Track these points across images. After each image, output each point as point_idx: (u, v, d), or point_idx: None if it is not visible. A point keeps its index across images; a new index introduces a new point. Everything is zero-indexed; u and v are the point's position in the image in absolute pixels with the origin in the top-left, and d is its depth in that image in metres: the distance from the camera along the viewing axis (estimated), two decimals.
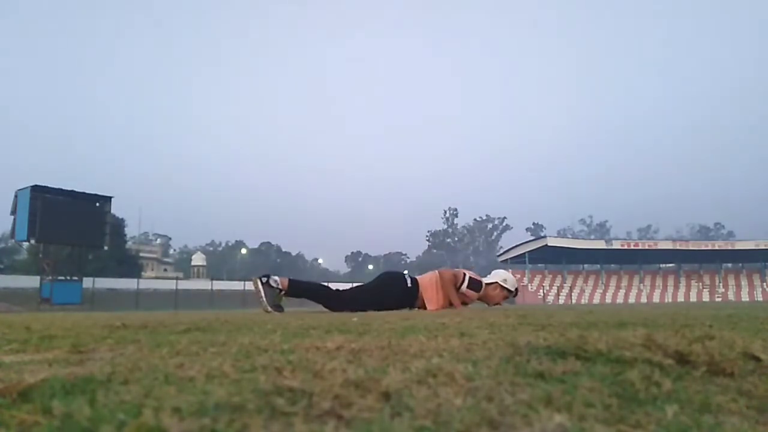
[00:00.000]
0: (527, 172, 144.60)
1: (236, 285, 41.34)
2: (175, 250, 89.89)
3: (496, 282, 4.94)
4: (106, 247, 29.66)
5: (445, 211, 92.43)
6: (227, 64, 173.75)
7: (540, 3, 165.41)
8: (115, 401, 0.57)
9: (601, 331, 1.43)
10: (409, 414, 0.51)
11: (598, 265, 52.46)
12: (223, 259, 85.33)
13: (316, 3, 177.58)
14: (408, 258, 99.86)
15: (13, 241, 35.49)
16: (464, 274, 4.76)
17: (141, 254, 60.37)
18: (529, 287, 47.36)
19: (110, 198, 29.10)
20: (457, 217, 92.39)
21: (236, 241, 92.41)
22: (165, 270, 69.41)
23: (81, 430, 0.48)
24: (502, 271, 5.28)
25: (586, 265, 54.06)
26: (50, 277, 26.43)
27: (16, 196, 26.06)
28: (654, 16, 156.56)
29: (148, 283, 38.93)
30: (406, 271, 5.18)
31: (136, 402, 0.57)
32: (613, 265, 54.36)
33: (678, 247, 49.21)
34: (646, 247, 49.53)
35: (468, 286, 4.70)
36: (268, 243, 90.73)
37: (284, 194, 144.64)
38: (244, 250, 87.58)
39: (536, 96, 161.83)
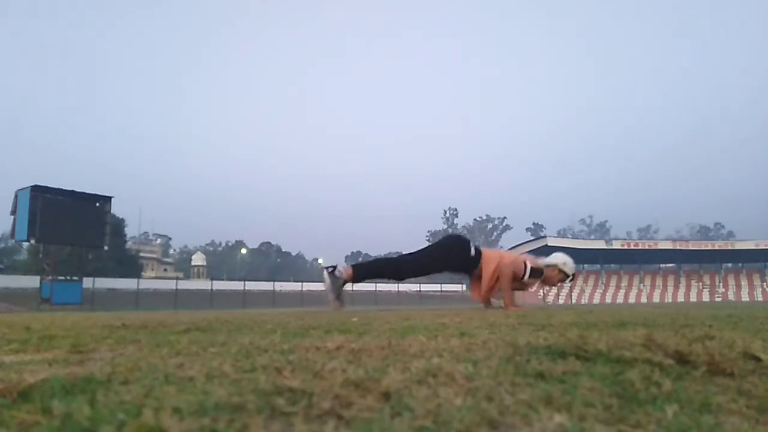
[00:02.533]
0: (527, 172, 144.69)
1: (236, 285, 41.33)
2: (175, 250, 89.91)
3: (556, 264, 4.89)
4: (106, 247, 29.65)
5: (445, 211, 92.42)
6: (228, 64, 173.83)
7: (540, 5, 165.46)
8: (115, 401, 0.57)
9: (601, 331, 1.43)
10: (409, 414, 0.51)
11: (598, 265, 52.45)
12: (223, 259, 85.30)
13: (318, 4, 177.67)
14: None
15: (13, 241, 35.46)
16: (525, 266, 4.68)
17: (141, 254, 60.33)
18: (529, 287, 47.24)
19: (110, 198, 29.10)
20: (457, 217, 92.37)
21: (236, 241, 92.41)
22: (165, 270, 69.40)
23: (81, 430, 0.48)
24: (562, 254, 5.17)
25: (586, 265, 54.03)
26: (50, 277, 26.43)
27: (16, 196, 26.06)
28: (654, 16, 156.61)
29: (148, 283, 38.92)
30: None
31: (136, 402, 0.57)
32: (613, 265, 54.37)
33: (678, 247, 49.23)
34: (646, 247, 49.56)
35: (530, 276, 4.66)
36: (268, 243, 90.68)
37: (284, 194, 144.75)
38: (244, 250, 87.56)
39: (536, 96, 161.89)
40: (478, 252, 4.65)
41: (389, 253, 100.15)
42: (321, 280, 4.29)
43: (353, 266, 4.35)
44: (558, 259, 4.97)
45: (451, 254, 4.59)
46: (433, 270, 4.17)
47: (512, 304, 4.54)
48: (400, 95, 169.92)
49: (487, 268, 4.58)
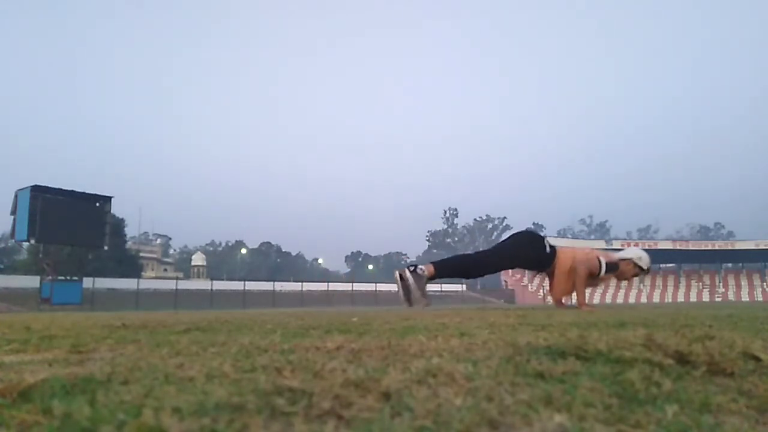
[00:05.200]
0: (527, 172, 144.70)
1: (236, 285, 41.32)
2: (175, 250, 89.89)
3: (631, 258, 4.84)
4: (106, 247, 29.65)
5: (445, 211, 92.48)
6: (228, 64, 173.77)
7: (540, 6, 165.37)
8: (115, 401, 0.57)
9: (601, 331, 1.43)
10: (409, 414, 0.51)
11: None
12: (223, 259, 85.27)
13: (319, 3, 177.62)
14: (408, 258, 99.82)
15: (13, 241, 35.46)
16: (600, 263, 4.64)
17: (141, 254, 60.28)
18: (529, 287, 47.38)
19: (110, 198, 29.10)
20: (457, 217, 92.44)
21: (236, 241, 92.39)
22: (165, 270, 69.35)
23: (81, 430, 0.48)
24: (637, 248, 5.17)
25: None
26: (50, 277, 26.43)
27: (16, 196, 26.06)
28: (655, 17, 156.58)
29: (148, 283, 38.88)
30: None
31: (136, 402, 0.57)
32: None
33: (678, 247, 49.23)
34: (646, 247, 49.39)
35: (606, 272, 4.62)
36: (268, 243, 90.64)
37: (284, 194, 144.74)
38: (244, 250, 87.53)
39: (537, 96, 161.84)
40: (553, 249, 4.63)
41: (389, 253, 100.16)
42: (394, 281, 4.29)
43: (434, 264, 4.36)
44: (633, 253, 4.91)
45: (526, 250, 4.58)
46: (509, 266, 4.19)
47: (585, 303, 4.48)
48: (401, 95, 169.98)
49: (562, 267, 4.55)
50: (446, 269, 4.42)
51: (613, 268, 4.66)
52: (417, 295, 4.10)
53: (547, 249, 4.59)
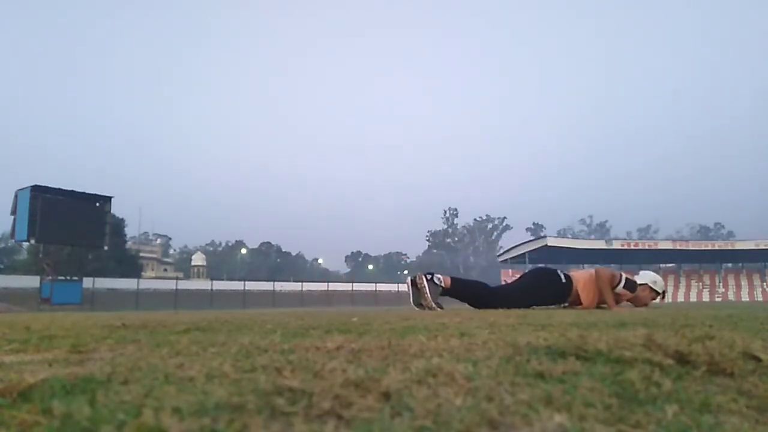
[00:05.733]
0: (527, 172, 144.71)
1: (236, 285, 41.33)
2: (175, 250, 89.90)
3: (646, 284, 4.87)
4: (106, 247, 29.68)
5: (445, 211, 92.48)
6: (228, 64, 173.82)
7: (540, 6, 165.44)
8: (115, 401, 0.57)
9: (601, 331, 1.43)
10: (409, 414, 0.51)
11: (598, 265, 52.42)
12: (223, 259, 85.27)
13: (319, 3, 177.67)
14: (408, 258, 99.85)
15: (13, 241, 35.45)
16: (621, 275, 4.71)
17: (141, 254, 60.31)
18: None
19: (110, 198, 29.12)
20: (457, 217, 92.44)
21: (236, 241, 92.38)
22: (165, 270, 69.38)
23: (81, 430, 0.48)
24: (651, 272, 5.18)
25: (586, 265, 53.95)
26: (50, 277, 26.44)
27: (16, 196, 26.07)
28: (655, 17, 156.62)
29: (148, 283, 38.91)
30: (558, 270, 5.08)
31: (136, 402, 0.56)
32: (613, 265, 54.28)
33: (678, 247, 49.20)
34: (646, 247, 49.54)
35: (624, 286, 4.64)
36: (268, 243, 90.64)
37: (284, 194, 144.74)
38: (244, 250, 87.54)
39: (537, 96, 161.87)
40: (568, 277, 4.67)
41: (389, 253, 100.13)
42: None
43: (452, 278, 4.42)
44: (648, 278, 4.94)
45: (544, 287, 4.61)
46: (524, 305, 4.20)
47: (616, 305, 4.48)
48: (401, 95, 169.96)
49: (585, 284, 4.58)
50: (460, 288, 4.48)
51: (631, 285, 4.67)
52: (431, 304, 4.13)
53: (563, 279, 4.63)
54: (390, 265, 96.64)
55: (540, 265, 5.67)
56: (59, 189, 27.02)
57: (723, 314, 2.60)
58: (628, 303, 4.89)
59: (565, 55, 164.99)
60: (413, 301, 4.25)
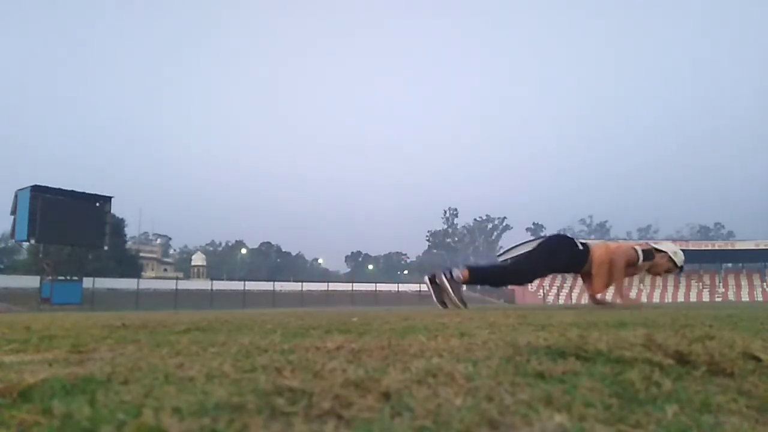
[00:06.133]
0: (527, 172, 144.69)
1: (236, 285, 41.31)
2: (175, 250, 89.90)
3: (666, 252, 4.71)
4: (106, 247, 29.67)
5: (445, 211, 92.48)
6: (228, 64, 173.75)
7: (541, 6, 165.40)
8: (115, 401, 0.57)
9: (601, 331, 1.43)
10: (409, 414, 0.51)
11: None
12: (223, 259, 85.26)
13: (318, 3, 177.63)
14: (408, 258, 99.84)
15: (13, 241, 35.45)
16: (637, 252, 4.56)
17: (141, 254, 60.30)
18: (529, 287, 47.30)
19: (110, 198, 29.11)
20: (457, 217, 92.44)
21: (236, 241, 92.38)
22: (165, 270, 69.37)
23: (81, 430, 0.48)
24: (673, 244, 5.07)
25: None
26: (50, 277, 26.43)
27: (16, 196, 26.07)
28: (655, 17, 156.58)
29: (148, 283, 38.90)
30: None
31: (136, 402, 0.56)
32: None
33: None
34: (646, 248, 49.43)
35: (643, 260, 4.53)
36: (268, 243, 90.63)
37: (284, 194, 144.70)
38: (244, 250, 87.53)
39: (537, 96, 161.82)
40: (586, 246, 4.58)
41: (389, 253, 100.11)
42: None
43: (468, 268, 4.37)
44: (669, 247, 4.79)
45: (559, 254, 4.53)
46: (545, 272, 4.14)
47: (624, 295, 4.42)
48: (401, 95, 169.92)
49: (598, 261, 4.47)
50: (479, 276, 4.44)
51: (649, 256, 4.54)
52: (455, 302, 4.12)
53: (580, 247, 4.54)
54: (390, 265, 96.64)
55: (558, 233, 5.58)
56: (59, 189, 27.01)
57: (723, 314, 2.60)
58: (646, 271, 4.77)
59: (566, 55, 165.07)
60: (436, 299, 4.23)
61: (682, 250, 4.83)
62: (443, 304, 4.19)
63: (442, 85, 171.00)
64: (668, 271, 4.78)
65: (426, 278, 4.35)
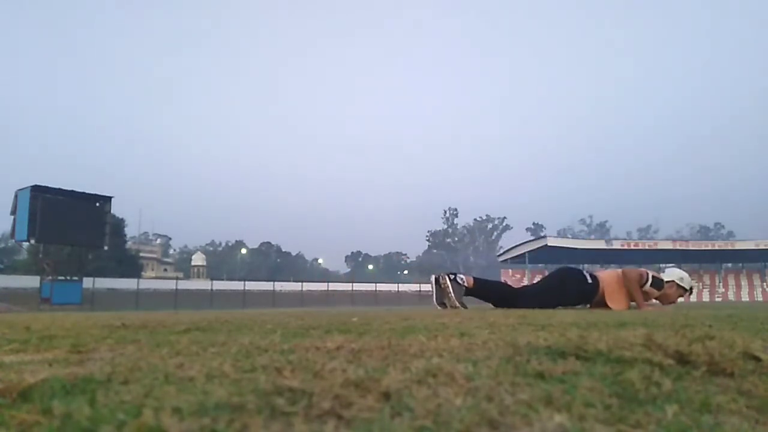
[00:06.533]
0: (527, 172, 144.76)
1: (236, 285, 41.32)
2: (175, 250, 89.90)
3: (673, 281, 4.82)
4: (106, 247, 29.66)
5: (445, 211, 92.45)
6: (227, 63, 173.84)
7: (540, 6, 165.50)
8: (115, 401, 0.57)
9: (601, 331, 1.43)
10: (409, 414, 0.51)
11: (598, 265, 52.47)
12: (223, 259, 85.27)
13: (318, 3, 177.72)
14: (408, 258, 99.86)
15: (13, 241, 35.45)
16: (647, 273, 4.67)
17: (141, 254, 60.34)
18: None
19: (110, 198, 29.11)
20: (457, 217, 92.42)
21: (236, 241, 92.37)
22: (165, 270, 69.40)
23: (81, 430, 0.48)
24: (677, 269, 5.13)
25: (586, 265, 54.00)
26: (50, 277, 26.43)
27: (16, 196, 26.07)
28: (655, 17, 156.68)
29: (148, 283, 38.92)
30: (583, 267, 5.06)
31: (136, 402, 0.57)
32: (613, 265, 54.24)
33: (678, 247, 49.17)
34: (646, 247, 49.54)
35: (651, 285, 4.60)
36: (268, 243, 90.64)
37: (284, 194, 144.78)
38: (244, 250, 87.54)
39: (536, 96, 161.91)
40: (594, 278, 4.64)
41: (389, 253, 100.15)
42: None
43: (474, 278, 4.43)
44: (674, 275, 4.88)
45: (569, 287, 4.58)
46: (549, 305, 4.18)
47: (645, 304, 4.45)
48: (401, 95, 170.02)
49: (609, 286, 4.55)
50: (483, 288, 4.49)
51: (658, 282, 4.63)
52: (455, 303, 4.15)
53: (589, 280, 4.60)
54: (390, 265, 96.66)
55: (568, 265, 5.60)
56: (59, 189, 27.01)
57: (723, 314, 2.60)
58: (656, 301, 4.85)
59: (566, 55, 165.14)
60: (436, 299, 4.28)
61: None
62: (442, 305, 4.22)
63: (442, 85, 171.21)
64: (680, 297, 4.91)
65: (432, 278, 4.39)
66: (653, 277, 4.64)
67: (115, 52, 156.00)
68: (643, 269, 4.74)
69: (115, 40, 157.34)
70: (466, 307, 4.12)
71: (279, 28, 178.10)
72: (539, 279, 5.01)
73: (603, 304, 4.56)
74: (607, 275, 4.69)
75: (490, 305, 4.49)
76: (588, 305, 4.65)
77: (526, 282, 47.30)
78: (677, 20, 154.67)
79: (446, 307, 4.17)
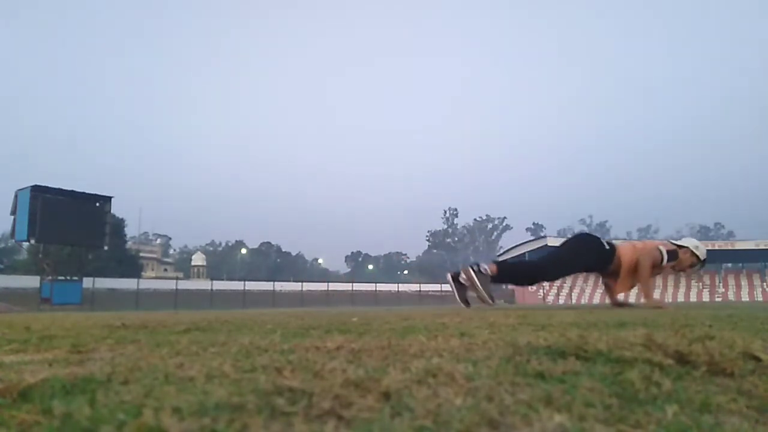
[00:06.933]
0: (527, 172, 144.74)
1: (236, 285, 41.31)
2: (175, 250, 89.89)
3: (688, 247, 4.77)
4: (106, 247, 29.65)
5: (445, 211, 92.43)
6: (227, 64, 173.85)
7: (540, 7, 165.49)
8: (115, 401, 0.57)
9: (601, 331, 1.43)
10: (409, 414, 0.51)
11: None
12: (223, 259, 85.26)
13: (316, 3, 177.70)
14: (408, 258, 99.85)
15: (13, 241, 35.45)
16: (662, 252, 4.58)
17: (141, 254, 60.31)
18: (530, 287, 47.38)
19: (110, 198, 29.09)
20: (457, 217, 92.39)
21: (236, 241, 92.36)
22: (165, 270, 69.39)
23: (81, 430, 0.48)
24: (694, 239, 5.11)
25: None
26: (50, 277, 26.42)
27: (16, 196, 26.06)
28: (654, 15, 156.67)
29: (148, 283, 38.88)
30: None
31: (136, 402, 0.57)
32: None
33: None
34: None
35: (668, 260, 4.56)
36: (268, 243, 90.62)
37: (284, 194, 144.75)
38: (244, 250, 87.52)
39: (536, 96, 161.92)
40: (612, 246, 4.59)
41: (389, 253, 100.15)
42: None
43: (497, 264, 4.35)
44: (690, 242, 4.84)
45: (586, 253, 4.54)
46: (571, 271, 4.16)
47: (652, 296, 4.43)
48: (401, 95, 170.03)
49: (625, 262, 4.49)
50: (507, 273, 4.42)
51: (673, 256, 4.58)
52: (484, 296, 4.09)
53: (606, 247, 4.56)
54: (390, 265, 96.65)
55: (585, 232, 5.62)
56: (59, 189, 27.00)
57: (723, 314, 2.60)
58: (671, 268, 4.80)
59: (565, 55, 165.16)
60: (459, 298, 4.19)
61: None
62: (466, 302, 4.14)
63: (443, 84, 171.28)
64: (692, 266, 4.83)
65: (449, 276, 4.31)
66: (668, 252, 4.58)
67: (114, 52, 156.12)
68: (655, 245, 4.65)
69: (115, 40, 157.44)
70: (494, 300, 4.07)
71: (277, 25, 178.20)
72: (556, 247, 4.87)
73: (614, 275, 4.53)
74: (625, 249, 4.61)
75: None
76: (602, 272, 4.62)
77: None
78: (678, 20, 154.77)
79: (470, 305, 4.10)
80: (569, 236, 4.94)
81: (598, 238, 4.69)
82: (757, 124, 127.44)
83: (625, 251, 4.57)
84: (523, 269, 4.62)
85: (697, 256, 4.76)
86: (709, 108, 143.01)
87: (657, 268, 4.56)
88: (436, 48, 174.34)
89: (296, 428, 0.47)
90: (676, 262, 4.67)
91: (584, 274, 4.75)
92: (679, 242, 4.85)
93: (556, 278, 3.93)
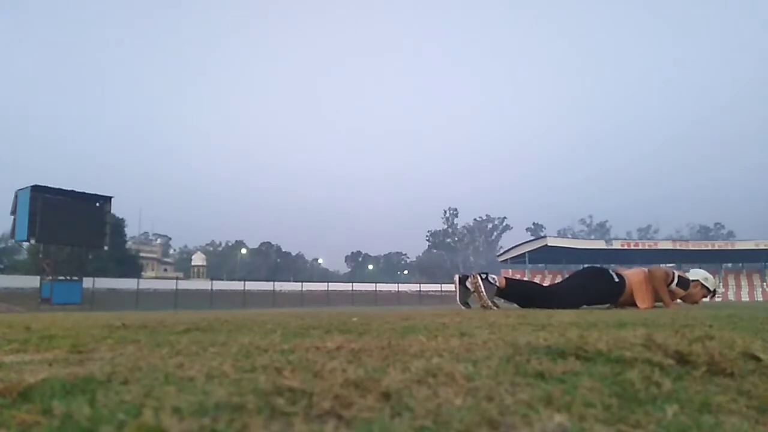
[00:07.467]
0: (527, 172, 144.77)
1: (236, 285, 41.31)
2: (175, 250, 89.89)
3: (698, 280, 4.87)
4: (106, 247, 29.69)
5: (445, 211, 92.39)
6: (227, 64, 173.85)
7: (541, 7, 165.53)
8: (115, 401, 0.57)
9: (601, 331, 1.43)
10: (409, 414, 0.51)
11: (598, 266, 52.42)
12: (223, 259, 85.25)
13: (314, 2, 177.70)
14: (408, 258, 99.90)
15: (13, 241, 35.46)
16: (673, 272, 4.70)
17: (141, 254, 60.33)
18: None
19: (110, 198, 29.12)
20: (457, 217, 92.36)
21: (236, 241, 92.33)
22: (165, 270, 69.38)
23: (81, 430, 0.48)
24: (702, 270, 5.19)
25: (586, 265, 53.91)
26: (50, 277, 26.44)
27: (16, 196, 26.08)
28: (654, 16, 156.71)
29: (148, 283, 38.89)
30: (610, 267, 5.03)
31: (136, 402, 0.57)
32: (613, 265, 54.09)
33: (678, 247, 49.18)
34: (646, 247, 49.53)
35: (677, 284, 4.64)
36: (268, 243, 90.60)
37: (284, 194, 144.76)
38: (244, 250, 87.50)
39: (536, 96, 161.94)
40: (621, 277, 4.66)
41: (389, 253, 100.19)
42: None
43: (507, 279, 4.44)
44: (699, 274, 4.94)
45: (597, 285, 4.60)
46: (580, 303, 4.20)
47: (672, 303, 4.48)
48: (400, 95, 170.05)
49: (639, 285, 4.57)
50: (515, 290, 4.50)
51: (684, 283, 4.67)
52: (487, 303, 4.15)
53: (616, 279, 4.62)
54: (390, 265, 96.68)
55: (595, 265, 5.68)
56: (59, 189, 27.02)
57: (723, 314, 2.60)
58: (681, 301, 4.87)
59: (565, 55, 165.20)
60: (460, 299, 4.26)
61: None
62: (466, 304, 4.22)
63: (443, 84, 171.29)
64: (704, 297, 4.96)
65: (456, 277, 4.38)
66: (679, 277, 4.66)
67: (114, 52, 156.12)
68: (669, 268, 4.77)
69: (114, 40, 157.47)
70: (498, 307, 4.12)
71: (278, 26, 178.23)
72: (565, 277, 4.98)
73: (629, 303, 4.55)
74: (633, 274, 4.68)
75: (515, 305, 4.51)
76: (615, 304, 4.64)
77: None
78: (678, 20, 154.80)
79: (469, 306, 4.16)
80: (580, 270, 4.97)
81: (607, 271, 4.74)
82: (757, 124, 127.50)
83: (634, 276, 4.64)
84: (532, 291, 4.65)
85: (707, 288, 4.88)
86: (709, 108, 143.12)
87: (667, 288, 4.62)
88: (438, 48, 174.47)
89: (296, 428, 0.47)
90: (686, 294, 4.75)
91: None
92: (686, 275, 4.91)
93: (565, 307, 3.95)
